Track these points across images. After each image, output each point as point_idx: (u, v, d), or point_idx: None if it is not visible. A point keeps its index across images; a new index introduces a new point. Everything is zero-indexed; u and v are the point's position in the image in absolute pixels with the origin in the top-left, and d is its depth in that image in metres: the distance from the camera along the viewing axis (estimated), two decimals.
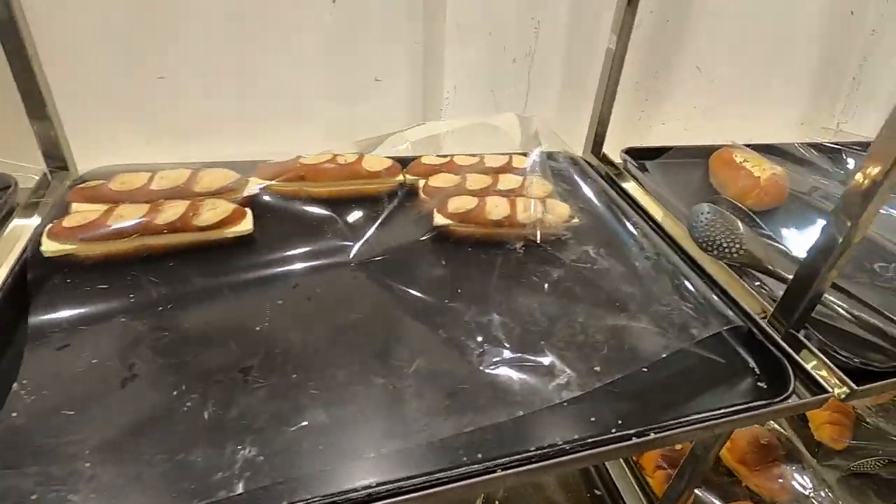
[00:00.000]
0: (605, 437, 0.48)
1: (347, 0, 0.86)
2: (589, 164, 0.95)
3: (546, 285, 0.63)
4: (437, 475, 0.43)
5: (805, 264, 0.58)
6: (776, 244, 0.73)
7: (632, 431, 0.48)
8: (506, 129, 0.86)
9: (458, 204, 0.72)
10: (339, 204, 0.75)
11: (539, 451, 0.46)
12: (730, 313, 0.58)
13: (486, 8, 0.92)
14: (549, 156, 0.80)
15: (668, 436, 0.49)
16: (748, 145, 1.03)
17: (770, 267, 0.70)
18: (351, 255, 0.67)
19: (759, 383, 0.58)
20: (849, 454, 1.09)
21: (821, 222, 0.86)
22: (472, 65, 0.96)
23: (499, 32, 0.95)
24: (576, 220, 0.75)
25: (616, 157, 1.00)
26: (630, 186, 0.92)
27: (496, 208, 0.71)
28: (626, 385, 0.55)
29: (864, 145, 1.13)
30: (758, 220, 0.77)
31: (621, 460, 1.01)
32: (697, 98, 1.16)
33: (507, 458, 0.45)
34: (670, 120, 1.17)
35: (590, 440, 0.47)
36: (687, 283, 0.63)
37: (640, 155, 1.00)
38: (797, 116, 1.28)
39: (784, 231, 0.80)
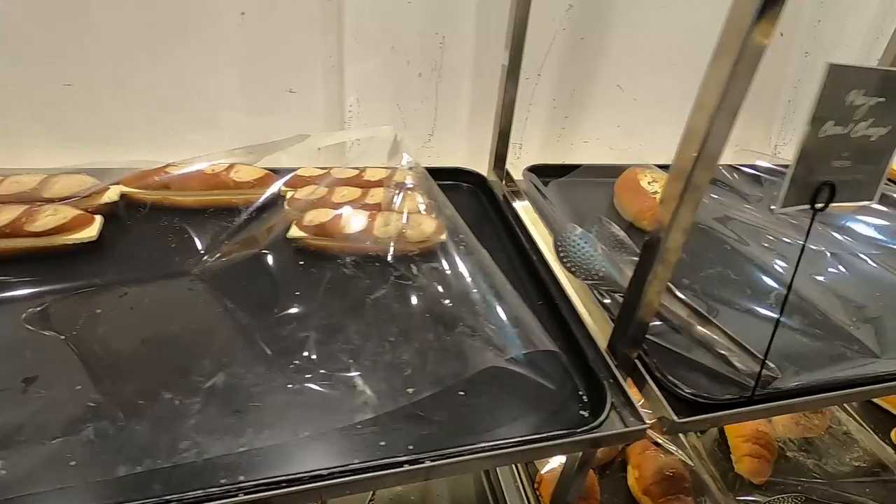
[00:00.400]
0: (375, 462, 0.46)
1: (257, 13, 0.86)
2: (486, 181, 0.94)
3: (369, 303, 0.62)
4: (167, 497, 0.41)
5: (630, 287, 0.55)
6: None
7: (403, 458, 0.46)
8: (390, 142, 0.85)
9: (314, 217, 0.70)
10: (200, 214, 0.74)
11: (293, 476, 0.44)
12: (544, 338, 0.56)
13: (385, 22, 0.91)
14: (409, 171, 0.79)
15: (447, 464, 0.47)
16: (664, 166, 1.01)
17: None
18: (194, 267, 0.66)
19: (581, 411, 0.55)
20: (768, 489, 1.05)
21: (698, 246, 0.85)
22: (374, 78, 0.95)
23: (401, 47, 0.94)
24: (442, 237, 0.73)
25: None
26: (523, 206, 0.90)
27: (352, 222, 0.70)
28: (434, 409, 0.52)
29: None
30: (633, 243, 0.74)
31: (520, 487, 0.98)
32: (620, 117, 1.14)
33: (251, 483, 0.43)
34: (593, 138, 1.15)
35: (356, 466, 0.45)
36: (518, 307, 0.60)
37: (547, 173, 0.98)
38: (730, 139, 1.25)
39: None
